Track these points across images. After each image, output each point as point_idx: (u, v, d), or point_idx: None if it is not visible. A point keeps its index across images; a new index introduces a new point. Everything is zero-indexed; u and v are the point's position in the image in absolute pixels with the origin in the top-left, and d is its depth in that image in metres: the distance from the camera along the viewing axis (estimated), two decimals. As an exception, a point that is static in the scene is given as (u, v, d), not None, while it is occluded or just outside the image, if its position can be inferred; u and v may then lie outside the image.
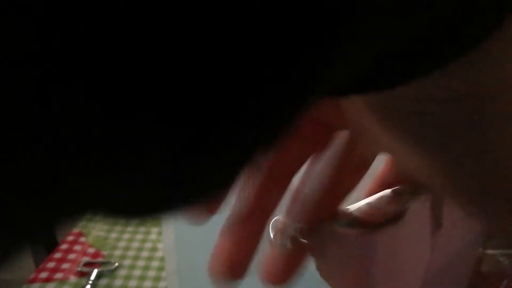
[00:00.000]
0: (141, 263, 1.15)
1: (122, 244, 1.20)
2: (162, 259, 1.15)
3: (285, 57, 0.08)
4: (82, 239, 1.20)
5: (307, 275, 0.31)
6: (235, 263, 0.18)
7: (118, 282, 1.10)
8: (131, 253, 1.17)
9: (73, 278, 1.09)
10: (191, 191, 0.09)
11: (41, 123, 0.07)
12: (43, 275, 1.03)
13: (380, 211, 0.20)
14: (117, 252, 1.17)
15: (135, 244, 1.21)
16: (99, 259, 1.12)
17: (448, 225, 0.30)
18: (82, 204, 0.09)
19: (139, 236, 1.23)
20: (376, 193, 0.21)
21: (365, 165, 0.20)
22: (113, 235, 1.23)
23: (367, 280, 0.25)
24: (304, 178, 0.20)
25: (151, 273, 1.12)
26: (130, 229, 1.25)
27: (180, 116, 0.08)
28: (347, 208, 0.18)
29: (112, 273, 1.10)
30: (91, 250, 1.15)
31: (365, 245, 0.24)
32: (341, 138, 0.19)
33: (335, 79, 0.09)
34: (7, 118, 0.07)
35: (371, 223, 0.20)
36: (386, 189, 0.21)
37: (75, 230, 1.21)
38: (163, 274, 1.10)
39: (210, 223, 0.47)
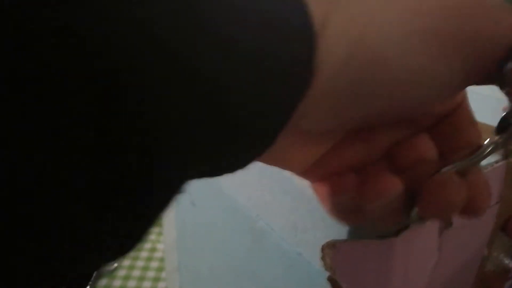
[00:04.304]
0: (140, 263, 1.14)
1: (121, 244, 1.19)
2: (161, 259, 1.14)
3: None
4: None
5: (313, 273, 0.30)
6: None
7: (117, 282, 1.09)
8: (130, 253, 1.16)
9: (71, 279, 1.08)
10: None
11: None
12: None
13: None
14: (116, 253, 1.16)
15: (134, 245, 1.20)
16: (98, 260, 1.12)
17: (457, 226, 0.29)
18: None
19: (138, 237, 1.23)
20: None
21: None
22: (112, 236, 1.22)
23: (384, 281, 0.25)
24: None
25: (150, 274, 1.11)
26: (129, 229, 1.24)
27: None
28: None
29: (111, 273, 1.09)
30: (89, 251, 1.15)
31: (384, 246, 0.24)
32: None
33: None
34: None
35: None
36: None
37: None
38: (163, 274, 1.09)
39: (211, 221, 0.46)
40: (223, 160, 0.16)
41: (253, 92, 0.14)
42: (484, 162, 0.29)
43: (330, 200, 0.21)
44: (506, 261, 0.40)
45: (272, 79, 0.14)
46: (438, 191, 0.18)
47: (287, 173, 0.30)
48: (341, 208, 0.21)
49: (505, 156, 0.22)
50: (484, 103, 0.25)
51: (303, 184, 0.28)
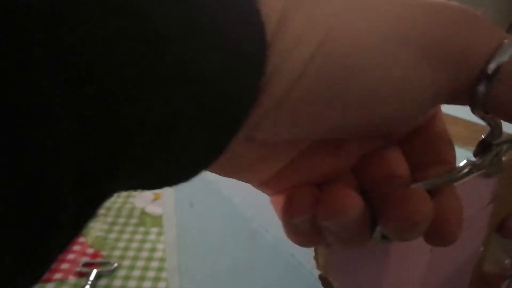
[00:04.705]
0: (140, 263, 1.14)
1: (121, 244, 1.20)
2: (161, 259, 1.14)
3: None
4: (82, 239, 1.20)
5: (305, 274, 0.30)
6: None
7: (117, 282, 1.10)
8: (130, 253, 1.17)
9: (72, 278, 1.08)
10: None
11: None
12: (42, 275, 1.03)
13: None
14: (117, 253, 1.17)
15: (135, 245, 1.20)
16: (98, 260, 1.12)
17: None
18: None
19: (139, 237, 1.23)
20: None
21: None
22: (113, 236, 1.23)
23: (378, 280, 0.25)
24: None
25: (151, 274, 1.12)
26: (129, 229, 1.25)
27: None
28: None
29: (111, 273, 1.10)
30: (90, 251, 1.15)
31: (379, 247, 0.24)
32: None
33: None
34: None
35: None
36: None
37: (75, 230, 1.20)
38: (163, 274, 1.10)
39: (209, 221, 0.47)
40: (168, 169, 0.14)
41: (198, 100, 0.12)
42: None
43: (285, 224, 0.19)
44: (504, 261, 0.40)
45: (216, 87, 0.13)
46: (400, 206, 0.16)
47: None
48: (299, 229, 0.19)
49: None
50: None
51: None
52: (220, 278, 0.44)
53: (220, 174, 0.19)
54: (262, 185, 0.20)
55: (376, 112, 0.15)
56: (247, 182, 0.20)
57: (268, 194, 0.21)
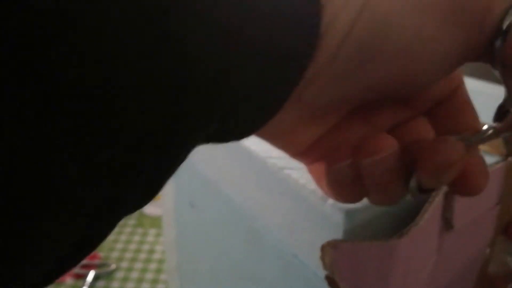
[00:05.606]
0: (138, 265, 1.14)
1: (119, 246, 1.19)
2: (160, 261, 1.14)
3: None
4: (80, 240, 1.19)
5: (308, 275, 0.30)
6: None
7: (115, 284, 1.09)
8: (128, 255, 1.16)
9: (69, 280, 1.08)
10: None
11: None
12: (40, 276, 1.02)
13: None
14: (115, 254, 1.16)
15: (133, 246, 1.20)
16: (96, 261, 1.12)
17: (457, 228, 0.29)
18: None
19: (137, 238, 1.23)
20: None
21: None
22: (111, 237, 1.22)
23: (385, 281, 0.25)
24: None
25: (149, 276, 1.11)
26: (127, 230, 1.24)
27: None
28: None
29: (109, 275, 1.09)
30: (88, 252, 1.14)
31: (386, 248, 0.24)
32: None
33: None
34: None
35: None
36: None
37: (73, 232, 1.20)
38: (161, 276, 1.09)
39: (210, 221, 0.46)
40: (226, 127, 0.16)
41: (257, 57, 0.14)
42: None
43: (327, 176, 0.21)
44: (509, 263, 0.40)
45: (276, 45, 0.14)
46: (436, 149, 0.18)
47: (285, 174, 0.30)
48: (339, 182, 0.21)
49: (505, 156, 0.22)
50: (487, 102, 0.25)
51: (300, 185, 0.28)
52: (221, 279, 0.44)
53: (264, 139, 0.21)
54: (301, 153, 0.22)
55: (410, 68, 0.17)
56: (287, 149, 0.22)
57: (304, 164, 0.22)
